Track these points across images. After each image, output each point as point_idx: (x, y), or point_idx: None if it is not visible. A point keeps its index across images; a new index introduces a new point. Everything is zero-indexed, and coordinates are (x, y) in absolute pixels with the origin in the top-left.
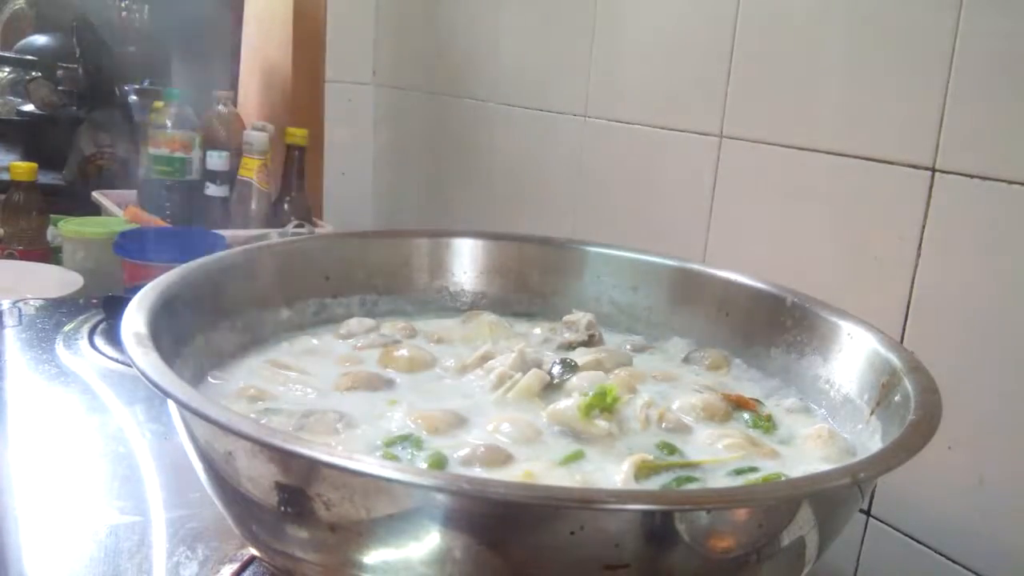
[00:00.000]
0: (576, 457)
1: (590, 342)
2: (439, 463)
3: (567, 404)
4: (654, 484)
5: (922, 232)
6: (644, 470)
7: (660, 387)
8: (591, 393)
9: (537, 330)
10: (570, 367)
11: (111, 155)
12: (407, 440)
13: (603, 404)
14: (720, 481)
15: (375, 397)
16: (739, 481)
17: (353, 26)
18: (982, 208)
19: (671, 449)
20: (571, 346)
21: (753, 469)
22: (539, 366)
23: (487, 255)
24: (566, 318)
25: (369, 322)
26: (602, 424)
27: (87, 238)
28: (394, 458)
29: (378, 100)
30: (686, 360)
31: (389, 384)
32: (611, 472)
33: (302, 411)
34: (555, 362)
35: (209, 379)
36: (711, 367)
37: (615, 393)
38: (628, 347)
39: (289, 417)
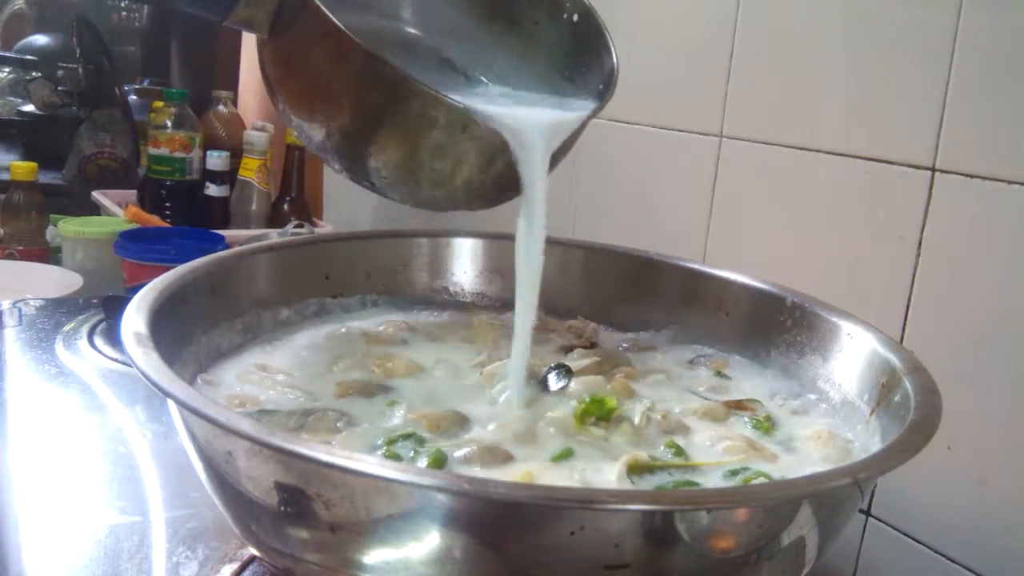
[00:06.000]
0: (566, 455)
1: (589, 347)
2: (439, 462)
3: (565, 411)
4: (648, 484)
5: (922, 232)
6: (636, 468)
7: (659, 389)
8: (588, 400)
9: (536, 331)
10: (566, 372)
11: (111, 155)
12: (409, 439)
13: (599, 412)
14: (715, 482)
15: (373, 400)
16: (734, 482)
17: None
18: (982, 208)
19: (678, 450)
20: (569, 348)
21: (747, 470)
22: (536, 369)
23: (487, 255)
24: (570, 323)
25: (359, 327)
26: (598, 431)
27: (87, 238)
28: (396, 456)
29: None
30: (686, 361)
31: (385, 390)
32: (607, 472)
33: (302, 410)
34: (551, 366)
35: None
36: (711, 367)
37: (612, 403)
38: (625, 346)
39: (288, 417)
